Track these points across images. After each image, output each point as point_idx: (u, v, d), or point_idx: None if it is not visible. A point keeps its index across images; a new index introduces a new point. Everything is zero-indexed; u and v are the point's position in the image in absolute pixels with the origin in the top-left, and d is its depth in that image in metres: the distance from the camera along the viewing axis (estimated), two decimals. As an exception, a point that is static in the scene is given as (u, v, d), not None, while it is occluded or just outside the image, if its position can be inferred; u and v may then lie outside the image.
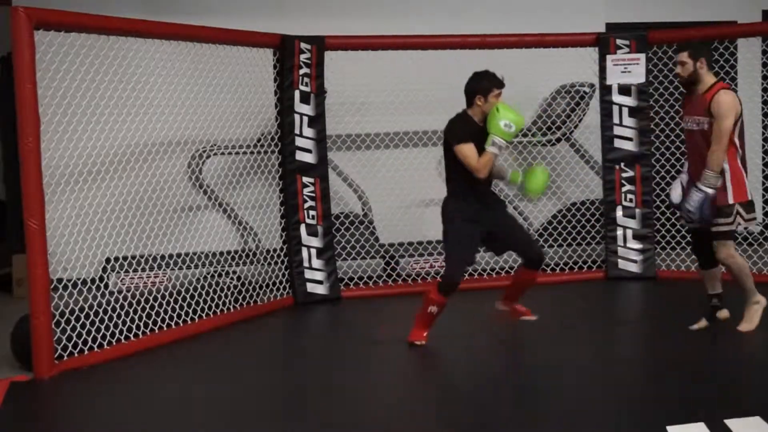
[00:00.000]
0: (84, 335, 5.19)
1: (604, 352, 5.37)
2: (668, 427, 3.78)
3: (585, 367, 4.91)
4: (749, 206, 5.21)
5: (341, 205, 7.72)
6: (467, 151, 5.12)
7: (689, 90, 5.32)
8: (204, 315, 6.07)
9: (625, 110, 7.23)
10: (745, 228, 5.76)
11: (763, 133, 8.32)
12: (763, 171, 8.26)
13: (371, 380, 4.85)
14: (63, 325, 5.11)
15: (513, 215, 5.95)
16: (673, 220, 7.71)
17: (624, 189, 7.25)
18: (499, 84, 5.18)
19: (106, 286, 7.08)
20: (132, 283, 7.09)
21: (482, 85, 5.16)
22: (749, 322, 5.34)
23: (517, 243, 5.41)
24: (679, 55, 5.26)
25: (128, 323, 5.50)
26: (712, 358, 4.93)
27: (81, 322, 5.21)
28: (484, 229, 5.25)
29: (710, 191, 5.07)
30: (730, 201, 5.14)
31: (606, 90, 7.26)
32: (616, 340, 5.66)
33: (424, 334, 5.33)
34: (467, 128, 5.19)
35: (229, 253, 7.24)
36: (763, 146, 8.06)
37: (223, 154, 7.44)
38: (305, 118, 6.75)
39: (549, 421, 4.08)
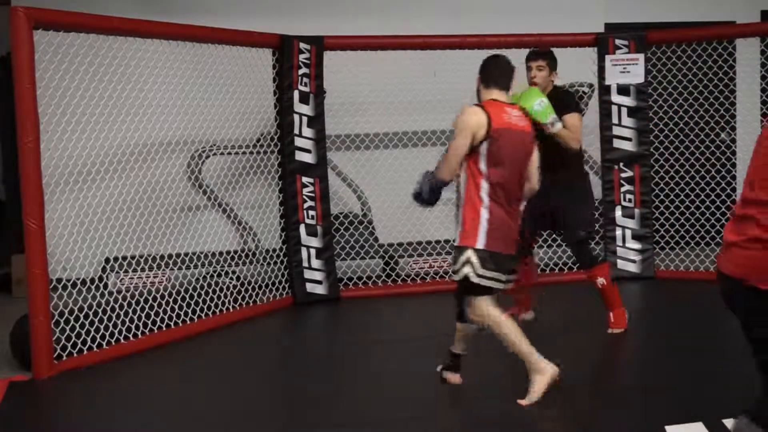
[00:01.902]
0: (83, 335, 5.20)
1: (602, 351, 5.37)
2: (667, 427, 3.79)
3: (584, 366, 4.92)
4: (485, 259, 4.14)
5: (340, 205, 7.73)
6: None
7: None
8: (203, 315, 6.08)
9: (624, 110, 7.23)
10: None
11: (762, 133, 8.30)
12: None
13: (370, 380, 4.85)
14: (62, 325, 5.11)
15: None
16: (672, 220, 7.72)
17: (623, 189, 7.26)
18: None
19: (106, 286, 7.08)
20: (131, 283, 7.09)
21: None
22: (530, 396, 4.21)
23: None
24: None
25: (127, 323, 5.50)
26: (710, 357, 4.93)
27: (80, 322, 5.22)
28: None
29: (425, 190, 4.27)
30: (458, 242, 4.22)
31: (605, 90, 7.26)
32: (614, 340, 5.66)
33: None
34: None
35: (228, 253, 7.24)
36: (763, 146, 8.06)
37: (222, 154, 7.44)
38: (304, 118, 6.75)
39: (549, 421, 4.08)
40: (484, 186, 4.16)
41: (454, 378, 4.58)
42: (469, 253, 4.15)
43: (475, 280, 4.16)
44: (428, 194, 4.27)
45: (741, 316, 2.59)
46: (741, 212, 2.45)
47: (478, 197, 4.16)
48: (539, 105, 5.12)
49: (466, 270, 4.16)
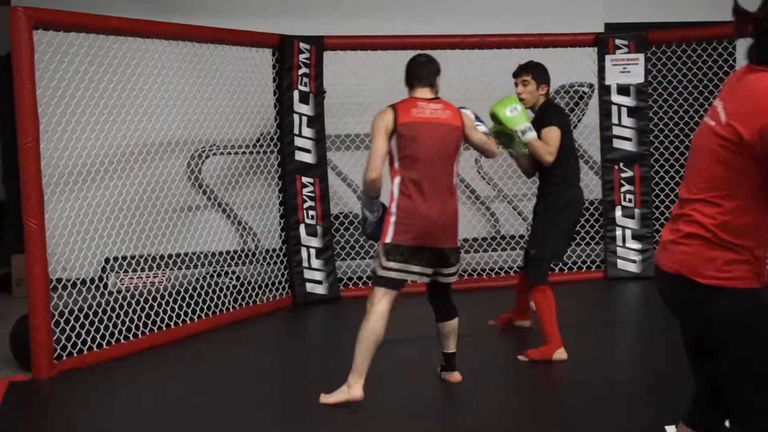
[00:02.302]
0: (83, 335, 5.19)
1: (602, 352, 5.37)
2: (667, 427, 3.78)
3: (584, 366, 4.92)
4: (390, 251, 4.28)
5: (340, 205, 7.72)
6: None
7: None
8: (203, 315, 6.07)
9: (624, 110, 7.24)
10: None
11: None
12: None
13: (370, 380, 4.84)
14: (62, 325, 5.11)
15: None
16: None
17: (623, 189, 7.25)
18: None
19: (105, 286, 7.07)
20: (131, 283, 7.09)
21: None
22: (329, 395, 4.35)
23: None
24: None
25: (127, 323, 5.50)
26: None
27: (80, 322, 5.21)
28: None
29: (368, 215, 4.47)
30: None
31: (605, 90, 7.26)
32: (615, 340, 5.66)
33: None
34: None
35: (228, 253, 7.24)
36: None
37: (222, 154, 7.44)
38: (304, 118, 6.75)
39: (549, 421, 4.08)
40: (397, 180, 4.31)
41: (453, 377, 4.60)
42: (379, 249, 4.31)
43: (379, 272, 4.30)
44: (368, 207, 4.43)
45: (677, 313, 2.61)
46: (678, 212, 2.50)
47: (391, 193, 4.32)
48: (511, 111, 5.02)
49: (374, 264, 4.35)
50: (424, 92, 4.50)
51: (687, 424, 2.75)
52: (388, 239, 4.27)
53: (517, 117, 5.02)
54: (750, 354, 2.38)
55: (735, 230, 2.36)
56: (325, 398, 4.32)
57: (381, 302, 4.31)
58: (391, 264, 4.28)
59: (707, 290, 2.39)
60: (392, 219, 4.28)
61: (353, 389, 4.26)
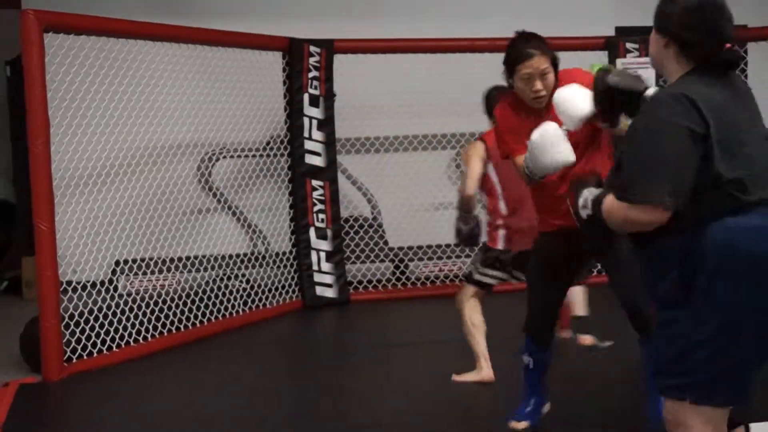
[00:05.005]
0: (93, 338, 5.20)
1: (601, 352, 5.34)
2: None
3: (583, 367, 4.89)
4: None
5: (350, 208, 7.71)
6: None
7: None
8: (213, 318, 6.07)
9: (635, 113, 7.21)
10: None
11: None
12: None
13: (380, 384, 4.83)
14: (72, 327, 5.11)
15: None
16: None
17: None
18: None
19: (116, 288, 7.07)
20: (141, 286, 7.08)
21: None
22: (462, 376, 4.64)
23: None
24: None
25: (137, 326, 5.50)
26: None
27: (90, 324, 5.21)
28: None
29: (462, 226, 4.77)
30: None
31: (616, 93, 7.23)
32: (613, 340, 5.62)
33: None
34: None
35: (238, 256, 7.23)
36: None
37: (232, 157, 7.43)
38: (314, 122, 6.75)
39: (550, 422, 4.06)
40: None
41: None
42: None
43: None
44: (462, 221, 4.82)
45: None
46: None
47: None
48: None
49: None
50: None
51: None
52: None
53: None
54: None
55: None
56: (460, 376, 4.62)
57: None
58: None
59: None
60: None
61: None
